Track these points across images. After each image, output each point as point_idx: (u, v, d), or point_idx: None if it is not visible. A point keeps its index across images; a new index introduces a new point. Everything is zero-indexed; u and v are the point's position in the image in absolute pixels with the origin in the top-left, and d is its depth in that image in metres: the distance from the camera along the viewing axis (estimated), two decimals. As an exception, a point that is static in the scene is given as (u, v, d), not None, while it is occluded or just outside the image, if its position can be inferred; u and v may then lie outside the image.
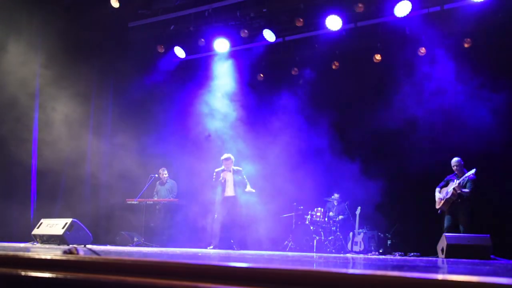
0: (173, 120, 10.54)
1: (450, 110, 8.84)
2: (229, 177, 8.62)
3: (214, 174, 8.62)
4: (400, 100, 9.19)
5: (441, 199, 7.48)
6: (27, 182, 8.18)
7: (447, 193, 7.42)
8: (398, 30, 8.84)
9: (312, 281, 1.30)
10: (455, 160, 7.57)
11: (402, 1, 7.97)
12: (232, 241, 8.45)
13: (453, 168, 7.56)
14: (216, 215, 8.56)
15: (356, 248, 8.90)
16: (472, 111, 8.51)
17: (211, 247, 8.28)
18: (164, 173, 9.40)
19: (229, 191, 8.60)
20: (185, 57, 9.98)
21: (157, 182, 9.47)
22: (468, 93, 8.61)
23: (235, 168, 8.69)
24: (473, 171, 7.19)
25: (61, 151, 8.57)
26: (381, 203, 8.92)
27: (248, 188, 8.56)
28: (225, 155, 8.67)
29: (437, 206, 7.54)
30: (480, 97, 8.47)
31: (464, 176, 7.32)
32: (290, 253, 7.49)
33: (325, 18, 8.52)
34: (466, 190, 7.28)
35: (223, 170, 8.57)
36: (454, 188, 7.28)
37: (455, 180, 7.41)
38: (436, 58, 8.84)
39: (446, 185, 7.59)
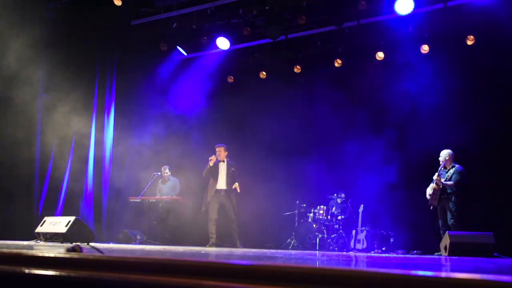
0: (176, 118, 10.55)
1: (453, 107, 8.81)
2: (222, 168, 8.27)
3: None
4: (403, 97, 9.18)
5: (430, 194, 7.38)
6: (30, 180, 8.19)
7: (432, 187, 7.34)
8: (401, 28, 8.82)
9: (315, 279, 1.30)
10: (445, 152, 7.37)
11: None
12: (237, 242, 8.19)
13: (440, 159, 7.36)
14: (209, 214, 8.19)
15: (358, 246, 8.90)
16: (475, 107, 8.49)
17: (209, 244, 8.10)
18: (166, 171, 9.40)
19: (221, 184, 8.23)
20: (187, 55, 9.99)
21: (160, 180, 9.48)
22: (470, 90, 8.58)
23: (232, 163, 8.35)
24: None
25: (64, 149, 8.59)
26: (384, 201, 8.92)
27: (237, 186, 8.17)
28: (218, 144, 8.40)
29: (429, 203, 7.46)
30: (483, 93, 8.45)
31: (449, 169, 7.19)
32: (293, 251, 7.49)
33: (328, 16, 8.49)
34: (450, 182, 7.11)
35: (217, 161, 8.24)
36: (435, 181, 7.13)
37: (442, 173, 7.32)
38: (439, 55, 8.82)
39: None
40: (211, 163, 8.17)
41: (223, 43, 9.44)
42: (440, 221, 7.36)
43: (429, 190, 7.38)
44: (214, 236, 8.15)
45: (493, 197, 8.05)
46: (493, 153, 8.19)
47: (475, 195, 7.62)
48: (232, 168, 8.30)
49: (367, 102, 9.69)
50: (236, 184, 8.17)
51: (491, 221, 7.68)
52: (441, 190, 7.18)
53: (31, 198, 8.19)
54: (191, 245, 8.58)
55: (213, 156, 8.24)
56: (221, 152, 8.29)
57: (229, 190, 8.21)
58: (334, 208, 9.51)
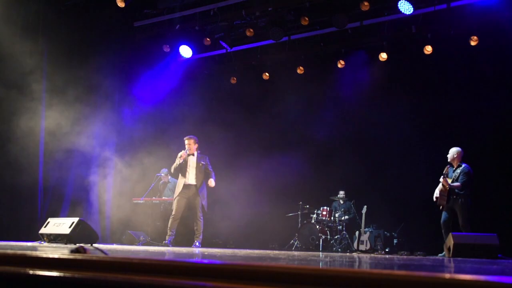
0: (178, 120, 10.56)
1: (456, 107, 8.80)
2: (192, 162, 7.68)
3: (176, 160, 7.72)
4: (407, 98, 9.17)
5: (436, 197, 7.30)
6: (34, 181, 8.22)
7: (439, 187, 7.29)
8: (404, 28, 8.82)
9: (319, 280, 1.30)
10: (453, 149, 7.29)
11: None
12: (196, 241, 7.58)
13: (451, 157, 7.27)
14: (174, 210, 7.59)
15: (362, 247, 8.88)
16: (479, 107, 8.47)
17: (165, 242, 7.55)
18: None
19: (191, 179, 7.63)
20: (190, 56, 10.00)
21: (161, 182, 9.51)
22: (473, 90, 8.57)
23: (203, 155, 7.80)
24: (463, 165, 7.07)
25: (67, 151, 8.60)
26: (387, 202, 8.91)
27: (211, 182, 7.62)
28: (188, 136, 7.82)
29: (438, 203, 7.38)
30: (486, 94, 8.43)
31: (456, 169, 7.14)
32: (296, 252, 7.48)
33: (331, 17, 8.50)
34: (457, 183, 7.04)
35: (186, 154, 7.68)
36: (442, 183, 7.07)
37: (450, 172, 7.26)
38: (442, 56, 8.80)
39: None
40: (180, 160, 7.62)
41: (226, 44, 9.46)
42: (441, 219, 7.29)
43: (437, 192, 7.32)
44: (173, 233, 7.56)
45: (496, 198, 8.02)
46: (496, 153, 8.17)
47: (478, 196, 7.58)
48: (202, 162, 7.70)
49: (370, 102, 9.68)
50: (211, 180, 7.62)
51: (495, 222, 7.65)
52: (449, 191, 7.11)
53: (35, 199, 8.21)
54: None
55: (183, 152, 7.69)
56: (191, 144, 7.71)
57: (199, 186, 7.63)
58: (337, 209, 9.50)
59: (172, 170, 7.94)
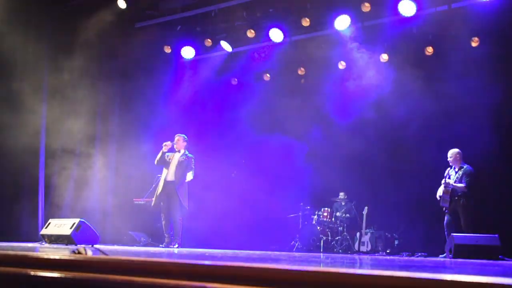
0: (180, 121, 10.56)
1: (457, 108, 8.78)
2: (176, 158, 7.63)
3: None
4: (406, 98, 9.16)
5: (440, 196, 7.29)
6: (35, 182, 8.22)
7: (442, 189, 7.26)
8: (405, 30, 8.81)
9: (320, 281, 1.30)
10: (452, 151, 7.28)
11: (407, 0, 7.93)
12: (174, 245, 7.44)
13: (449, 159, 7.26)
14: (162, 209, 7.59)
15: (363, 248, 8.87)
16: (479, 108, 8.45)
17: (176, 245, 7.50)
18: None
19: (170, 175, 7.56)
20: (192, 58, 10.00)
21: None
22: (475, 91, 8.55)
23: (188, 154, 7.73)
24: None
25: (68, 152, 8.61)
26: (388, 203, 8.90)
27: (190, 175, 7.57)
28: (179, 134, 7.81)
29: (440, 204, 7.36)
30: (487, 95, 8.42)
31: (458, 171, 7.11)
32: (297, 253, 7.48)
33: (332, 18, 8.50)
34: (461, 184, 7.02)
35: (171, 144, 7.61)
36: (444, 185, 7.03)
37: (452, 174, 7.24)
38: (443, 57, 8.79)
39: None
40: (164, 149, 7.55)
41: (227, 45, 9.45)
42: (444, 222, 7.28)
43: (440, 191, 7.29)
44: (171, 235, 7.60)
45: (498, 199, 8.01)
46: (497, 154, 8.15)
47: (480, 197, 7.57)
48: (185, 159, 7.63)
49: (370, 104, 9.66)
50: (190, 175, 7.55)
51: (496, 223, 7.63)
52: (451, 193, 7.09)
53: (36, 200, 8.22)
54: (194, 247, 8.59)
55: (169, 142, 7.62)
56: (179, 141, 7.67)
57: (178, 183, 7.53)
58: (338, 210, 9.49)
59: (155, 162, 7.80)
